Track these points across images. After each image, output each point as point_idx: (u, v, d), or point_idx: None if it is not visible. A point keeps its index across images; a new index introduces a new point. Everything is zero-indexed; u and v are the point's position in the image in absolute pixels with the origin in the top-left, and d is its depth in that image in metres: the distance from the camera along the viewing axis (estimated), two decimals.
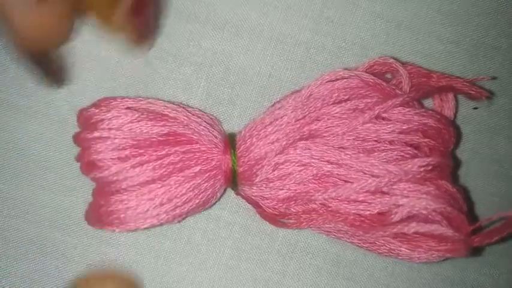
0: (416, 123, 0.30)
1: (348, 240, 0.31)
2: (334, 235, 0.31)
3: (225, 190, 0.34)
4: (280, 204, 0.31)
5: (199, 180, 0.31)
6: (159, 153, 0.31)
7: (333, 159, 0.29)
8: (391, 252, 0.31)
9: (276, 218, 0.32)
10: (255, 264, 0.36)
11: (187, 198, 0.31)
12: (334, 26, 0.36)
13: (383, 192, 0.29)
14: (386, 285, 0.36)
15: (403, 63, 0.33)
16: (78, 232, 0.34)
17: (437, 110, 0.34)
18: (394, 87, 0.30)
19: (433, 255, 0.29)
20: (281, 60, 0.36)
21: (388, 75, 0.34)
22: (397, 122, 0.30)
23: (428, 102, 0.36)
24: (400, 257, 0.30)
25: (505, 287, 0.37)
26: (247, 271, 0.36)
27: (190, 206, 0.31)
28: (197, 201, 0.31)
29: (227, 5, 0.36)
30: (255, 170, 0.30)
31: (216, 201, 0.34)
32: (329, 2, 0.36)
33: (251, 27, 0.36)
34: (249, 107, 0.36)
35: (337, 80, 0.31)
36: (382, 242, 0.30)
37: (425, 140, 0.30)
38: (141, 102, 0.32)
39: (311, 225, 0.31)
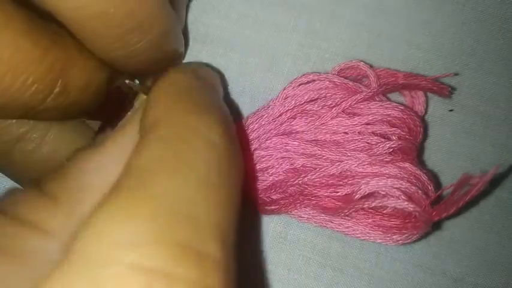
0: (380, 115, 0.33)
1: (326, 224, 0.34)
2: (314, 221, 0.35)
3: None
4: (264, 194, 0.35)
5: None
6: None
7: (307, 151, 0.33)
8: (368, 236, 0.34)
9: (261, 207, 0.35)
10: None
11: None
12: (319, 39, 0.40)
13: (350, 176, 0.33)
14: (370, 275, 0.39)
15: (371, 66, 0.36)
16: None
17: (409, 106, 0.37)
18: (360, 86, 0.34)
19: (404, 235, 0.32)
20: (270, 71, 0.40)
21: (365, 80, 0.37)
22: (363, 115, 0.33)
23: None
24: (375, 239, 0.33)
25: (484, 277, 0.39)
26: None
27: None
28: None
29: (223, 23, 0.41)
30: None
31: None
32: (315, 16, 0.40)
33: (244, 43, 0.40)
34: (242, 112, 0.40)
35: (309, 82, 0.35)
36: (358, 226, 0.34)
37: (392, 129, 0.33)
38: None
39: (289, 210, 0.34)
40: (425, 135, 0.38)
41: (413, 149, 0.33)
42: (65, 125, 0.32)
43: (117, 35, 0.27)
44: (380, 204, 0.31)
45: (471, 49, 0.41)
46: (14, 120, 0.29)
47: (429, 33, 0.41)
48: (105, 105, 0.33)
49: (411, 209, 0.30)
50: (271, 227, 0.39)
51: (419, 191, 0.31)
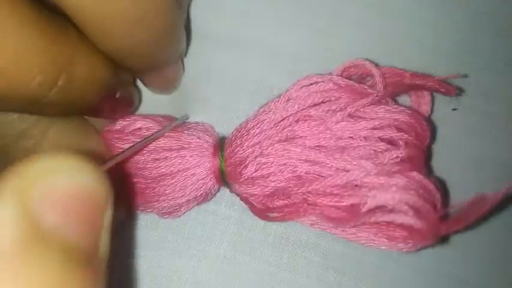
0: (387, 119, 0.32)
1: (330, 231, 0.34)
2: (318, 227, 0.34)
3: (219, 188, 0.37)
4: (266, 200, 0.34)
5: (194, 179, 0.35)
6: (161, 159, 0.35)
7: (310, 158, 0.32)
8: (372, 242, 0.33)
9: (264, 213, 0.35)
10: (250, 256, 0.38)
11: (184, 193, 0.35)
12: (320, 38, 0.40)
13: (356, 186, 0.31)
14: (373, 277, 0.38)
15: (377, 65, 0.35)
16: None
17: (414, 107, 0.36)
18: (365, 88, 0.33)
19: (409, 245, 0.32)
20: (271, 69, 0.39)
21: (369, 79, 0.36)
22: (370, 119, 0.32)
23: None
24: (379, 246, 0.33)
25: (488, 280, 0.39)
26: (243, 263, 0.38)
27: (188, 198, 0.35)
28: (193, 196, 0.35)
29: (223, 21, 0.40)
30: (239, 170, 0.33)
31: (212, 197, 0.37)
32: (317, 15, 0.40)
33: (245, 41, 0.40)
34: (241, 111, 0.39)
35: (312, 84, 0.33)
36: (363, 233, 0.33)
37: (399, 134, 0.32)
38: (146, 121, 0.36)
39: (293, 218, 0.33)
40: (432, 138, 0.37)
41: (421, 154, 0.33)
42: (66, 122, 0.31)
43: (121, 25, 0.26)
44: (388, 220, 0.30)
45: (475, 48, 0.40)
46: (16, 116, 0.29)
47: (432, 32, 0.40)
48: (107, 103, 0.33)
49: (419, 226, 0.29)
50: (273, 228, 0.39)
51: (428, 205, 0.30)
